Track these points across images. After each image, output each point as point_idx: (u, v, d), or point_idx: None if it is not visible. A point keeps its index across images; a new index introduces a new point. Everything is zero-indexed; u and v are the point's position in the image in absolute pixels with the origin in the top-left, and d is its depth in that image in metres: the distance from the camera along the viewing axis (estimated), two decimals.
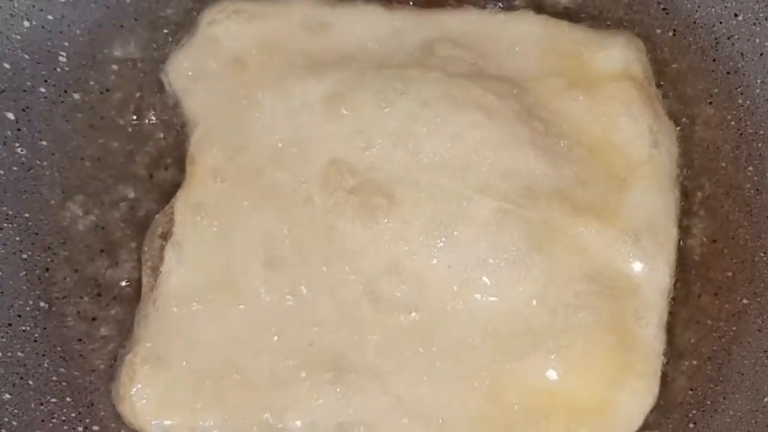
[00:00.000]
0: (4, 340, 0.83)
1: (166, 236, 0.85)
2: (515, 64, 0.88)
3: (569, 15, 0.93)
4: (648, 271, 0.81)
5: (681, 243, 0.86)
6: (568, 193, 0.82)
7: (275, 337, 0.80)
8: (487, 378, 0.78)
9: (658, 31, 0.92)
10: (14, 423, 0.81)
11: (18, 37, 0.89)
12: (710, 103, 0.90)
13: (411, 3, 0.93)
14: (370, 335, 0.80)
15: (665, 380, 0.82)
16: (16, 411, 0.81)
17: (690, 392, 0.83)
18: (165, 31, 0.93)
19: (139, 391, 0.80)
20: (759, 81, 0.88)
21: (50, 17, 0.90)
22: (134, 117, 0.91)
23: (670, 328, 0.83)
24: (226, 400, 0.79)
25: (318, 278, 0.81)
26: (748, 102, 0.89)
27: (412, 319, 0.80)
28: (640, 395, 0.79)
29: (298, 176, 0.84)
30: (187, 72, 0.89)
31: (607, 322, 0.79)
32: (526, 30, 0.89)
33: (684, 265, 0.86)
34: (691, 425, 0.82)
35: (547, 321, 0.79)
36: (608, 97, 0.85)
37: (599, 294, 0.80)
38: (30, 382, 0.83)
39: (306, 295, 0.81)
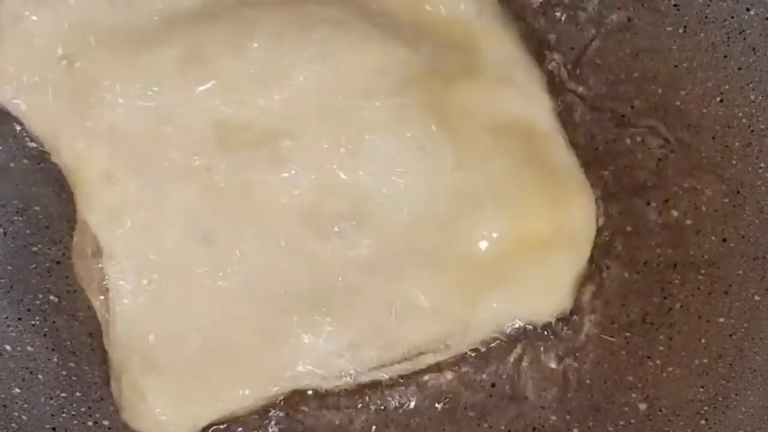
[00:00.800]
0: (14, 334, 0.84)
1: (96, 254, 0.83)
2: None
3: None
4: (530, 101, 0.85)
5: (692, 241, 0.86)
6: (435, 68, 0.84)
7: (248, 302, 0.81)
8: (445, 256, 0.82)
9: (669, 27, 0.91)
10: (24, 417, 0.81)
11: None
12: (721, 100, 0.89)
13: None
14: (332, 259, 0.81)
15: (676, 378, 0.82)
16: (26, 405, 0.81)
17: (701, 389, 0.83)
18: None
19: (155, 403, 0.79)
20: None
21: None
22: None
23: (681, 327, 0.84)
24: (234, 374, 0.80)
25: (256, 233, 0.81)
26: (760, 98, 0.88)
27: (358, 229, 0.81)
28: (584, 206, 0.84)
29: (188, 150, 0.82)
30: (11, 85, 0.83)
31: (523, 161, 0.83)
32: None
33: (694, 263, 0.86)
34: (703, 422, 0.82)
35: (475, 182, 0.82)
36: None
37: (506, 140, 0.83)
38: (40, 377, 0.83)
39: (253, 253, 0.81)
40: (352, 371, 0.82)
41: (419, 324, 0.81)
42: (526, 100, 0.85)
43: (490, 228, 0.82)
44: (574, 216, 0.84)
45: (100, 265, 0.82)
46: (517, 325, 0.83)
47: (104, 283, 0.82)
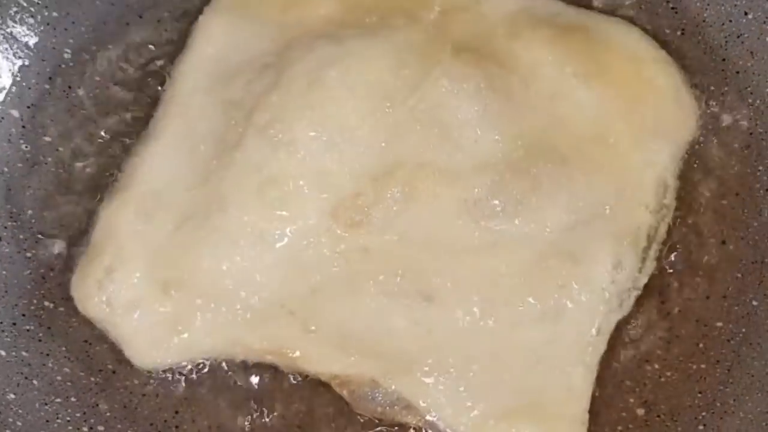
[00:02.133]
0: (9, 339, 0.83)
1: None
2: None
3: None
4: None
5: (690, 245, 0.86)
6: None
7: None
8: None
9: (667, 30, 0.91)
10: (18, 423, 0.81)
11: (22, 33, 0.89)
12: (720, 102, 0.89)
13: None
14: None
15: (674, 383, 0.82)
16: (20, 411, 0.81)
17: (699, 395, 0.83)
18: (165, 29, 0.92)
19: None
20: None
21: (54, 14, 0.90)
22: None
23: (679, 332, 0.84)
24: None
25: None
26: (758, 101, 0.88)
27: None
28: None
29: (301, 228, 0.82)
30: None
31: None
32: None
33: (693, 267, 0.85)
34: (701, 427, 0.81)
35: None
36: None
37: None
38: (34, 382, 0.83)
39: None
40: None
41: None
42: None
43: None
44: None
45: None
46: None
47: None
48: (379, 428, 0.81)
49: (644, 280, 0.83)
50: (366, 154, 0.82)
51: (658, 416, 0.82)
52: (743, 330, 0.84)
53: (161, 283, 0.81)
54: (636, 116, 0.85)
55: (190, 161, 0.84)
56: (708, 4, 0.90)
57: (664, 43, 0.90)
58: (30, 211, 0.87)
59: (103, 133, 0.89)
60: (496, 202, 0.81)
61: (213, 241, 0.81)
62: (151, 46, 0.92)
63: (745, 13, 0.88)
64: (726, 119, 0.89)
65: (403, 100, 0.83)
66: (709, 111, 0.89)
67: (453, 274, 0.81)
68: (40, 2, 0.90)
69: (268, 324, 0.81)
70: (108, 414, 0.83)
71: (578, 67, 0.85)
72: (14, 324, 0.84)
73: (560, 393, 0.79)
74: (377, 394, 0.80)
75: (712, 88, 0.89)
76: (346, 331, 0.80)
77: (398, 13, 0.88)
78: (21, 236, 0.86)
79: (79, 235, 0.86)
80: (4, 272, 0.85)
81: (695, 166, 0.88)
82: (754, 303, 0.84)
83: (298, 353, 0.80)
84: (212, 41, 0.88)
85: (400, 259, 0.81)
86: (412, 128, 0.82)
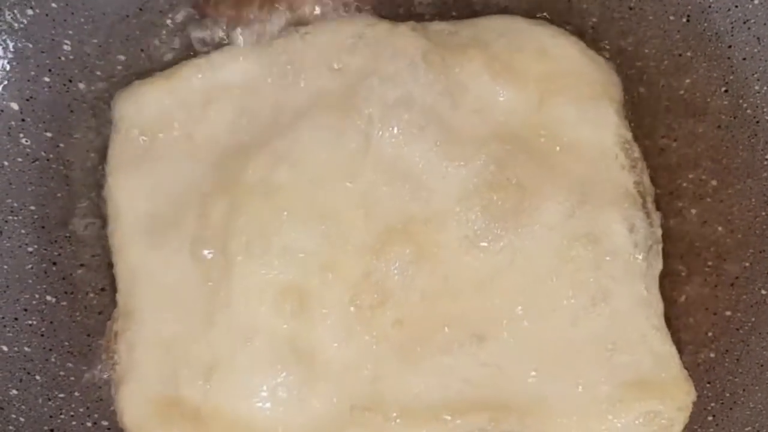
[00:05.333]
0: (11, 334, 0.83)
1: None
2: None
3: None
4: None
5: (698, 233, 0.86)
6: None
7: None
8: None
9: (672, 17, 0.90)
10: (21, 419, 0.80)
11: (21, 25, 0.88)
12: (725, 90, 0.88)
13: None
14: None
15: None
16: (23, 407, 0.81)
17: (708, 385, 0.83)
18: (168, 20, 0.92)
19: None
20: None
21: (54, 5, 0.89)
22: None
23: (687, 321, 0.84)
24: None
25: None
26: (765, 88, 0.87)
27: None
28: None
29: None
30: None
31: None
32: None
33: (700, 255, 0.85)
34: (710, 418, 0.81)
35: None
36: None
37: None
38: (37, 378, 0.82)
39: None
40: None
41: None
42: None
43: None
44: None
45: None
46: None
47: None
48: None
49: (659, 231, 0.84)
50: (355, 231, 0.81)
51: None
52: (752, 319, 0.84)
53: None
54: (565, 93, 0.85)
55: (184, 318, 0.82)
56: None
57: (668, 31, 0.90)
58: (32, 207, 0.86)
59: (104, 129, 0.89)
60: (494, 224, 0.81)
61: (243, 383, 0.79)
62: (151, 39, 0.91)
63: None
64: (732, 107, 0.88)
65: (360, 169, 0.82)
66: (714, 98, 0.88)
67: (490, 304, 0.80)
68: None
69: (349, 429, 0.79)
70: (112, 409, 0.82)
71: (492, 73, 0.85)
72: (16, 319, 0.84)
73: (648, 362, 0.79)
74: None
75: (717, 75, 0.88)
76: (428, 402, 0.79)
77: None
78: (22, 231, 0.86)
79: (81, 229, 0.87)
80: (5, 267, 0.85)
81: (702, 153, 0.87)
82: (763, 292, 0.84)
83: None
84: (135, 198, 0.85)
85: (434, 314, 0.80)
86: (381, 192, 0.82)
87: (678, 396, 0.79)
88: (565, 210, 0.82)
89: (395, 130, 0.82)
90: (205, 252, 0.82)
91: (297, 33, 0.88)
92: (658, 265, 0.83)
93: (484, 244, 0.81)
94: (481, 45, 0.87)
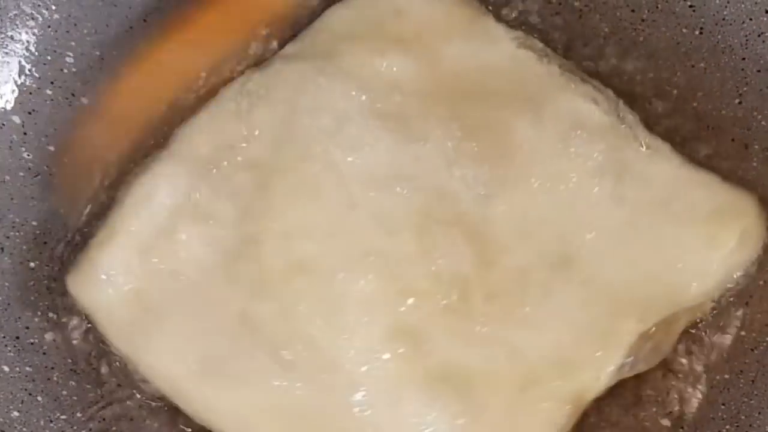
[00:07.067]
0: (12, 354, 0.83)
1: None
2: None
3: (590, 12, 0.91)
4: None
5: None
6: None
7: None
8: None
9: (684, 30, 0.89)
10: None
11: (23, 37, 0.88)
12: (739, 102, 0.88)
13: None
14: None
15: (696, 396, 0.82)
16: (24, 429, 0.81)
17: (723, 407, 0.82)
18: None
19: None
20: None
21: (56, 16, 0.89)
22: None
23: (700, 341, 0.83)
24: None
25: None
26: None
27: None
28: None
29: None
30: None
31: None
32: None
33: None
34: None
35: None
36: None
37: None
38: (39, 398, 0.82)
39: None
40: None
41: None
42: None
43: None
44: None
45: None
46: None
47: None
48: None
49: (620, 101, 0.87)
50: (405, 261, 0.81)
51: (682, 428, 0.82)
52: (767, 339, 0.83)
53: None
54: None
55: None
56: (728, 2, 0.88)
57: (681, 43, 0.89)
58: (34, 222, 0.86)
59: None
60: (486, 167, 0.82)
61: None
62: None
63: (766, 11, 0.86)
64: (746, 119, 0.87)
65: (352, 198, 0.81)
66: (728, 110, 0.88)
67: (547, 238, 0.82)
68: (40, 4, 0.89)
69: None
70: (114, 429, 0.82)
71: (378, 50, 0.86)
72: (17, 338, 0.83)
73: (701, 195, 0.83)
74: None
75: (731, 87, 0.88)
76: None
77: None
78: (24, 247, 0.86)
79: (83, 245, 0.85)
80: (6, 284, 0.85)
81: (716, 166, 0.86)
82: None
83: None
84: (175, 355, 0.79)
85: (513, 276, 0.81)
86: (383, 203, 0.81)
87: (747, 207, 0.82)
88: (534, 122, 0.83)
89: (353, 148, 0.82)
90: (284, 353, 0.78)
91: None
92: (636, 116, 0.86)
93: (494, 190, 0.82)
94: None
